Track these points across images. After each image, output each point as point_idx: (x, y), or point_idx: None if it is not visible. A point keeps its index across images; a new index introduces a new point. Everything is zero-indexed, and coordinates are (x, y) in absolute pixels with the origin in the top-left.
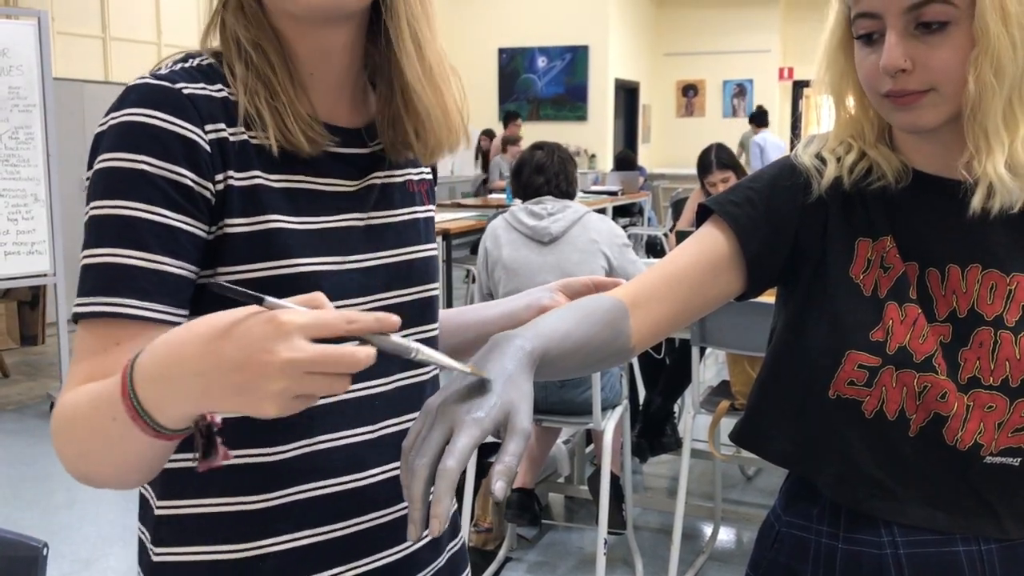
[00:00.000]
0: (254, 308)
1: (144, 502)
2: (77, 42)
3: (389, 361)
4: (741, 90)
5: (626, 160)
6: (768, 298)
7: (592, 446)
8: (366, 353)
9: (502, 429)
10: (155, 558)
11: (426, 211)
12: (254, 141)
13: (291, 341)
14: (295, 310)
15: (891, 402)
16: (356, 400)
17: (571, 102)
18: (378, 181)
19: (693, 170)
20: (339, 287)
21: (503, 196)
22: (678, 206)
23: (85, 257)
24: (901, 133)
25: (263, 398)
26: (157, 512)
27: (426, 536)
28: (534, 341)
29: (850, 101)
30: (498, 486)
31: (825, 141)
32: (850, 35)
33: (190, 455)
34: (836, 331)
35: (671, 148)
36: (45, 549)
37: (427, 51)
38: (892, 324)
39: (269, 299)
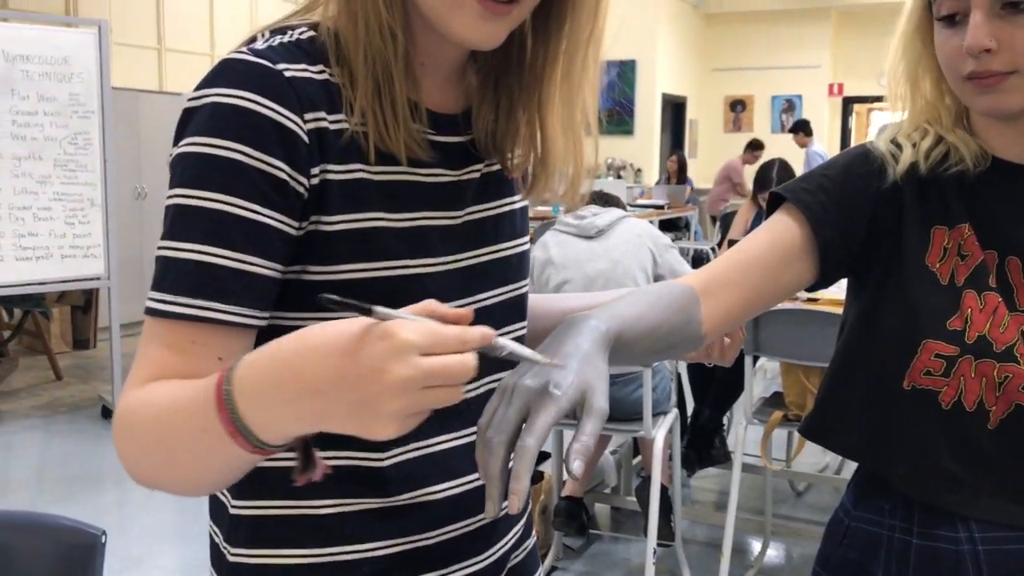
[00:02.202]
0: (369, 321)
1: (216, 500)
2: (133, 52)
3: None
4: (790, 106)
5: (682, 168)
6: (825, 307)
7: (640, 457)
8: (474, 361)
9: (578, 408)
10: (231, 559)
11: (521, 200)
12: (356, 128)
13: (408, 359)
14: (411, 325)
15: (970, 393)
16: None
17: (618, 116)
18: (477, 174)
19: None
20: (438, 289)
21: (549, 208)
22: (726, 219)
23: (167, 249)
24: (981, 119)
25: (380, 418)
26: (233, 512)
27: (505, 509)
28: (609, 322)
29: (926, 87)
30: (575, 465)
31: (900, 128)
32: (927, 19)
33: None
34: (911, 320)
35: (718, 163)
36: (103, 537)
37: (576, 94)
38: (971, 313)
39: (379, 309)
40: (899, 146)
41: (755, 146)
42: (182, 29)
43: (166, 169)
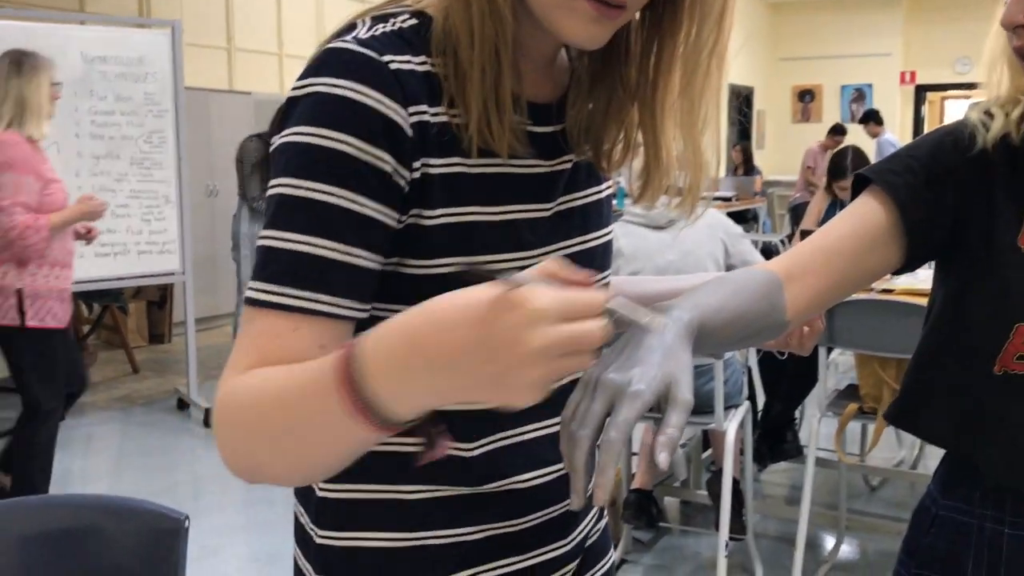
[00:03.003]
0: (497, 291)
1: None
2: (204, 52)
3: None
4: (860, 95)
5: (747, 158)
6: (903, 297)
7: (710, 450)
8: (605, 326)
9: (662, 401)
10: (318, 541)
11: (607, 188)
12: (455, 121)
13: (543, 327)
14: (543, 292)
15: None
16: None
17: None
18: (569, 164)
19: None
20: None
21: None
22: (797, 211)
23: (272, 238)
24: None
25: (519, 388)
26: (320, 494)
27: (589, 492)
28: (691, 312)
29: None
30: (662, 457)
31: (995, 101)
32: None
33: None
34: (1003, 303)
35: (786, 154)
36: (187, 521)
37: (698, 104)
38: None
39: (509, 277)
40: (991, 116)
41: (837, 131)
42: (251, 29)
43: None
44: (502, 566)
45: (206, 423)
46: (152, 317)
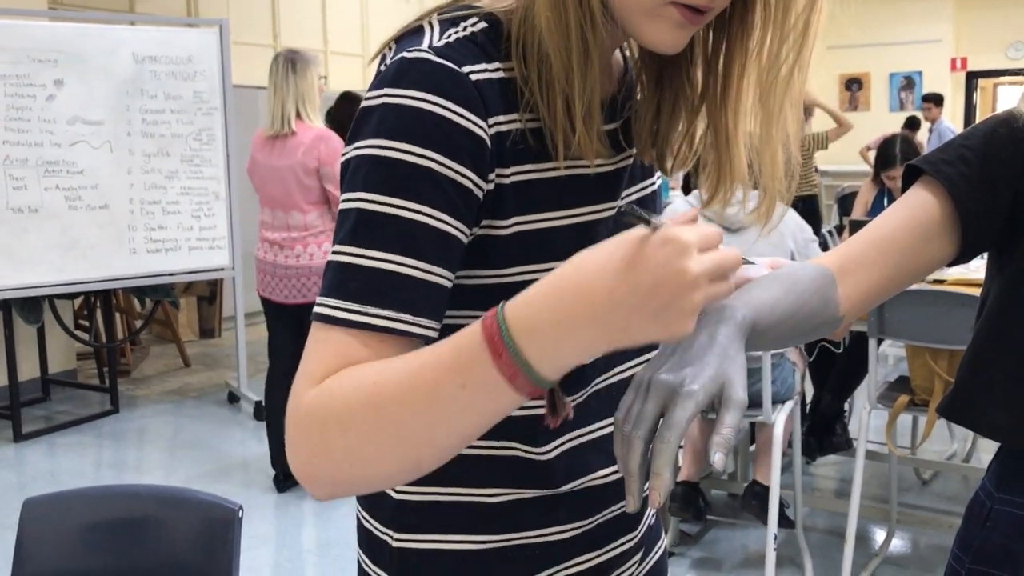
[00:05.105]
0: (637, 235)
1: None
2: (250, 51)
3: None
4: (909, 82)
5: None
6: (955, 287)
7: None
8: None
9: (716, 401)
10: (396, 544)
11: (658, 179)
12: (530, 126)
13: (695, 256)
14: (685, 227)
15: None
16: (604, 390)
17: None
18: (630, 160)
19: (857, 166)
20: None
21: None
22: (844, 202)
23: (351, 255)
24: None
25: (682, 316)
26: (398, 497)
27: (645, 495)
28: (744, 311)
29: None
30: (717, 457)
31: None
32: None
33: None
34: None
35: (833, 144)
36: (240, 512)
37: (775, 113)
38: None
39: (656, 219)
40: None
41: (912, 124)
42: (296, 26)
43: None
44: (580, 563)
45: (256, 415)
46: (202, 312)
